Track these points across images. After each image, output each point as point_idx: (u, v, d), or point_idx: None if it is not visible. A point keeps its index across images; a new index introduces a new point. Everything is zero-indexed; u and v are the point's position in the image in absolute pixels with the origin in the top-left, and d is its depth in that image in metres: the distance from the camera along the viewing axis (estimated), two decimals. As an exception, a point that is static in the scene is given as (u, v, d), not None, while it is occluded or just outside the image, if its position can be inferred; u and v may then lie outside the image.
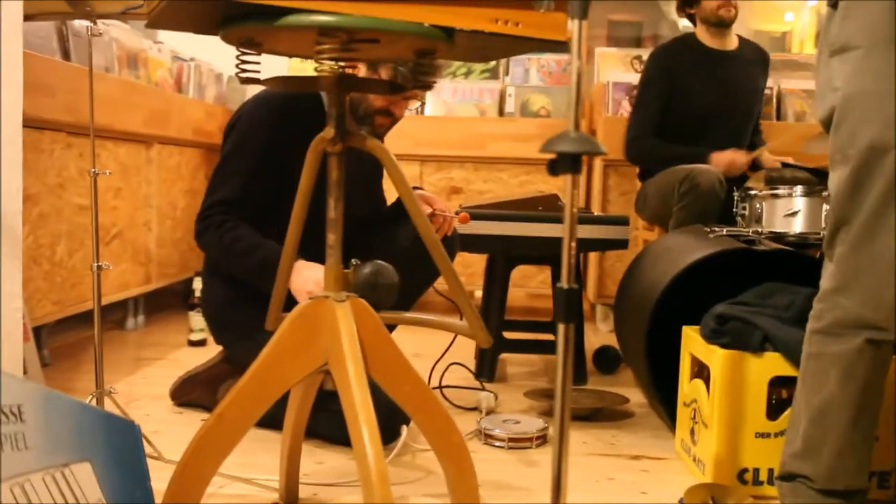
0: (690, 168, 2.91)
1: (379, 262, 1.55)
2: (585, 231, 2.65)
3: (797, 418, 1.54)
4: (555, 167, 1.13)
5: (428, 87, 1.49)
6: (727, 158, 3.08)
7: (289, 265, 1.61)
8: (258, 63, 1.46)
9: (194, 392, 2.42)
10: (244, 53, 1.44)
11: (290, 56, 1.59)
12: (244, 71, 1.45)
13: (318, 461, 2.01)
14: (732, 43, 3.33)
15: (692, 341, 2.05)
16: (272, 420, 1.61)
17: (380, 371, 1.49)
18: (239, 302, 2.26)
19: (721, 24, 3.23)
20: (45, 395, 1.08)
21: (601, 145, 1.12)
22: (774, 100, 3.97)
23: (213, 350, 2.50)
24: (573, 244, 1.14)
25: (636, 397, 2.62)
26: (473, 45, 1.47)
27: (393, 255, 2.29)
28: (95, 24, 1.83)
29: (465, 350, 3.05)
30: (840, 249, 1.47)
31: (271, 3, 1.21)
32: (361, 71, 2.15)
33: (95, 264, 1.84)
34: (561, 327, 1.14)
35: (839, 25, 1.47)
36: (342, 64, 1.39)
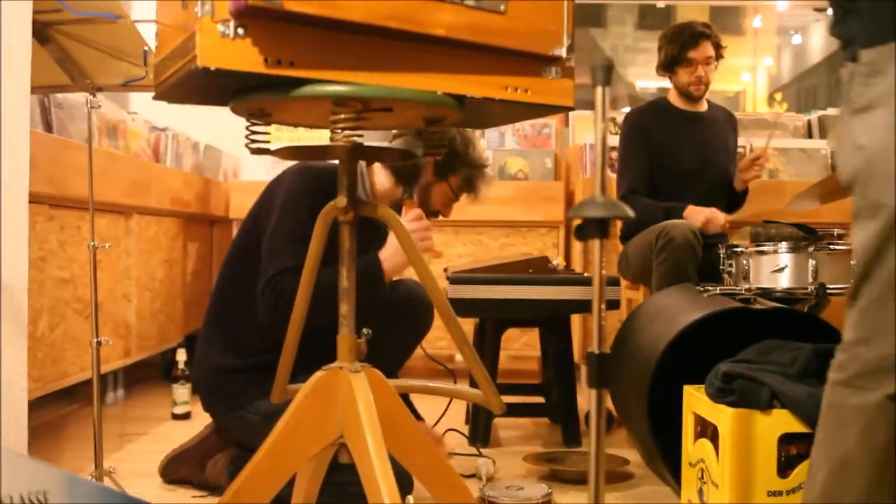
0: (664, 224, 2.95)
1: None
2: (578, 292, 2.65)
3: (815, 468, 1.52)
4: (582, 232, 1.14)
5: (438, 154, 1.50)
6: (704, 215, 3.12)
7: (296, 336, 1.58)
8: (268, 133, 1.45)
9: (183, 469, 2.36)
10: (253, 124, 1.44)
11: (299, 126, 1.59)
12: (254, 142, 1.44)
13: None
14: (703, 106, 3.43)
15: (695, 400, 2.04)
16: (277, 499, 1.56)
17: (395, 442, 1.46)
18: (235, 371, 2.23)
19: (690, 98, 3.35)
20: (69, 480, 1.04)
21: (626, 208, 1.13)
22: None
23: (197, 423, 2.44)
24: (603, 307, 1.14)
25: (632, 457, 2.60)
26: (480, 112, 1.49)
27: (382, 317, 2.27)
28: (95, 96, 1.81)
29: (456, 415, 3.02)
30: (863, 302, 1.46)
31: (286, 75, 1.22)
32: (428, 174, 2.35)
33: (95, 339, 1.80)
34: (593, 392, 1.13)
35: (861, 83, 1.46)
36: (356, 134, 1.39)
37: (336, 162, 1.48)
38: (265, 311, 2.11)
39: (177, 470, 2.37)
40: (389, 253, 2.17)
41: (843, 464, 1.47)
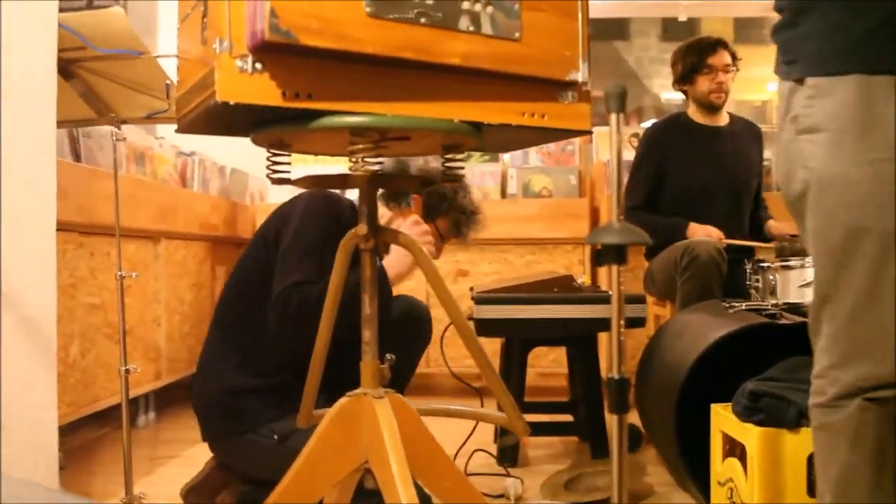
0: (689, 242, 2.96)
1: None
2: (603, 310, 2.64)
3: (821, 494, 1.52)
4: (600, 258, 1.14)
5: (457, 180, 1.51)
6: (704, 232, 3.13)
7: (321, 360, 1.59)
8: (289, 163, 1.47)
9: (198, 501, 2.35)
10: (274, 154, 1.46)
11: (320, 155, 1.61)
12: (275, 172, 1.46)
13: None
14: (723, 119, 3.42)
15: (723, 419, 2.03)
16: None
17: (420, 467, 1.46)
18: (250, 392, 2.20)
19: (711, 108, 3.34)
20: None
21: (645, 234, 1.13)
22: (774, 171, 4.02)
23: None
24: (621, 332, 1.14)
25: (661, 475, 2.59)
26: (498, 137, 1.50)
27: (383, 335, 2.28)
28: (120, 129, 1.85)
29: (485, 434, 3.02)
30: (830, 326, 1.49)
31: (305, 108, 1.23)
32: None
33: (123, 367, 1.82)
34: (615, 418, 1.13)
35: (806, 104, 1.50)
36: (374, 162, 1.40)
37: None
38: (273, 323, 2.09)
39: (195, 500, 2.36)
40: (393, 260, 2.19)
41: (843, 480, 1.48)
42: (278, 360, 2.18)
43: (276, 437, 2.14)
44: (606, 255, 1.13)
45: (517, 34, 1.31)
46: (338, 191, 2.31)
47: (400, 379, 2.37)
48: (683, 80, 3.36)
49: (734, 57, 3.31)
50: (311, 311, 2.03)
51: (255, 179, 4.82)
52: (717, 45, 3.28)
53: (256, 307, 2.21)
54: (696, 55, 3.28)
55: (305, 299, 2.04)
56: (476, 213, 2.48)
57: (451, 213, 2.42)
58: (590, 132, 1.45)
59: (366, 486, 1.50)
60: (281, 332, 2.09)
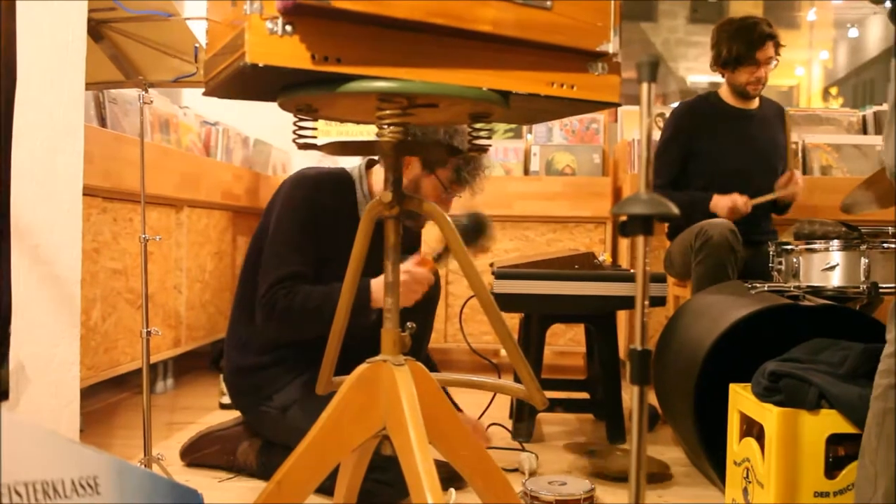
0: (702, 223, 2.94)
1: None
2: (624, 288, 2.63)
3: (871, 477, 1.47)
4: (626, 229, 1.14)
5: (483, 150, 1.50)
6: (728, 202, 3.10)
7: (341, 328, 1.60)
8: (315, 129, 1.47)
9: (209, 450, 2.42)
10: (301, 119, 1.46)
11: (346, 121, 1.60)
12: (301, 137, 1.46)
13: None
14: (754, 102, 3.38)
15: (741, 399, 2.03)
16: (321, 487, 1.58)
17: (438, 435, 1.47)
18: (253, 369, 2.31)
19: (745, 96, 3.30)
20: (119, 467, 1.07)
21: (672, 206, 1.12)
22: (800, 154, 3.98)
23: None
24: (646, 303, 1.14)
25: (676, 455, 2.59)
26: (527, 108, 1.49)
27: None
28: (147, 92, 1.85)
29: (501, 409, 3.03)
30: None
31: (333, 71, 1.23)
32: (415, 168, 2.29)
33: (145, 330, 1.83)
34: (635, 389, 1.13)
35: None
36: (401, 129, 1.40)
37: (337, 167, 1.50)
38: (260, 323, 2.19)
39: (201, 449, 2.43)
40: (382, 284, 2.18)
41: None
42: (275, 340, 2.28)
43: (276, 409, 2.26)
44: (633, 226, 1.12)
45: (549, 3, 1.30)
46: (328, 165, 2.33)
47: (420, 344, 2.39)
48: (724, 65, 3.30)
49: (778, 45, 3.25)
50: (295, 312, 2.13)
51: (277, 151, 4.83)
52: (766, 38, 3.20)
53: (254, 291, 2.26)
54: (744, 46, 3.19)
55: (289, 305, 2.13)
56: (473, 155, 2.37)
57: (450, 160, 2.28)
58: (618, 104, 1.44)
59: (382, 452, 1.50)
60: (267, 329, 2.21)
